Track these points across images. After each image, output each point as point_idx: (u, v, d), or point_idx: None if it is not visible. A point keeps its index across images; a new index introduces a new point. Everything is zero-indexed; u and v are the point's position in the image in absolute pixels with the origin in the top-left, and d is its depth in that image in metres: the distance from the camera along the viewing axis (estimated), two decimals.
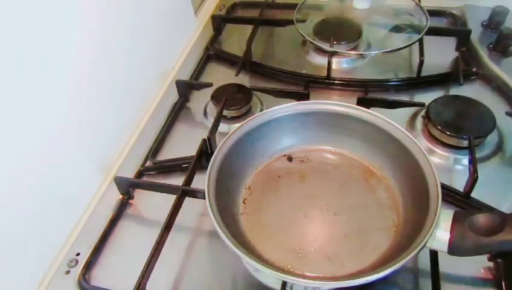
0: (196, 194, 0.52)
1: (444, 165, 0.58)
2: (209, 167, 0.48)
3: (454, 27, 0.81)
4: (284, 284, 0.44)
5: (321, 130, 0.56)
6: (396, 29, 0.77)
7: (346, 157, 0.56)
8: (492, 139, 0.60)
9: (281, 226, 0.50)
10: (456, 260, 0.43)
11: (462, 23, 0.79)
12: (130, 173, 0.59)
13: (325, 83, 0.71)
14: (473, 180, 0.51)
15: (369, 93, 0.67)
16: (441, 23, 0.82)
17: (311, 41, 0.76)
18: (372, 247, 0.47)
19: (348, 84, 0.70)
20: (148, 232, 0.52)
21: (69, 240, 0.53)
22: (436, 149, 0.59)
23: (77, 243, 0.52)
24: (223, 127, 0.63)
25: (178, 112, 0.69)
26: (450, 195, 0.53)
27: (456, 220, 0.41)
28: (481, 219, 0.41)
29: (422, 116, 0.63)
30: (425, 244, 0.40)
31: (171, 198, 0.51)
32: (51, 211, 0.50)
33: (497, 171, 0.57)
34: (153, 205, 0.56)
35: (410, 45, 0.71)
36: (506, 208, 0.51)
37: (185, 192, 0.52)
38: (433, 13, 0.78)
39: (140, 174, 0.60)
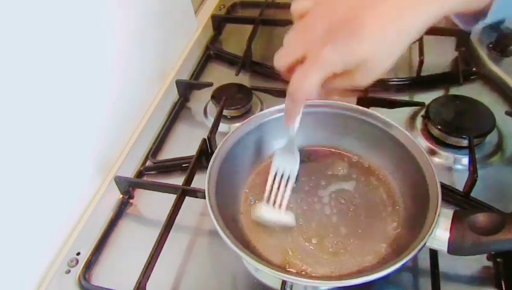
0: (196, 194, 0.52)
1: (444, 164, 0.58)
2: (209, 166, 0.48)
3: (454, 27, 0.80)
4: (284, 283, 0.44)
5: (321, 130, 0.56)
6: None
7: (346, 157, 0.56)
8: (492, 139, 0.60)
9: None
10: (456, 259, 0.43)
11: None
12: (130, 173, 0.59)
13: None
14: (472, 180, 0.51)
15: (369, 93, 0.67)
16: (441, 22, 0.82)
17: None
18: (371, 247, 0.47)
19: None
20: (148, 232, 0.52)
21: (69, 239, 0.53)
22: (436, 149, 0.59)
23: (77, 242, 0.52)
24: (223, 127, 0.63)
25: (178, 111, 0.68)
26: (449, 195, 0.53)
27: (455, 219, 0.41)
28: (481, 218, 0.41)
29: (422, 115, 0.63)
30: (425, 243, 0.40)
31: (171, 198, 0.52)
32: (51, 210, 0.50)
33: (497, 171, 0.57)
34: (153, 204, 0.56)
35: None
36: (506, 208, 0.51)
37: (185, 192, 0.52)
38: None
39: (140, 173, 0.60)
